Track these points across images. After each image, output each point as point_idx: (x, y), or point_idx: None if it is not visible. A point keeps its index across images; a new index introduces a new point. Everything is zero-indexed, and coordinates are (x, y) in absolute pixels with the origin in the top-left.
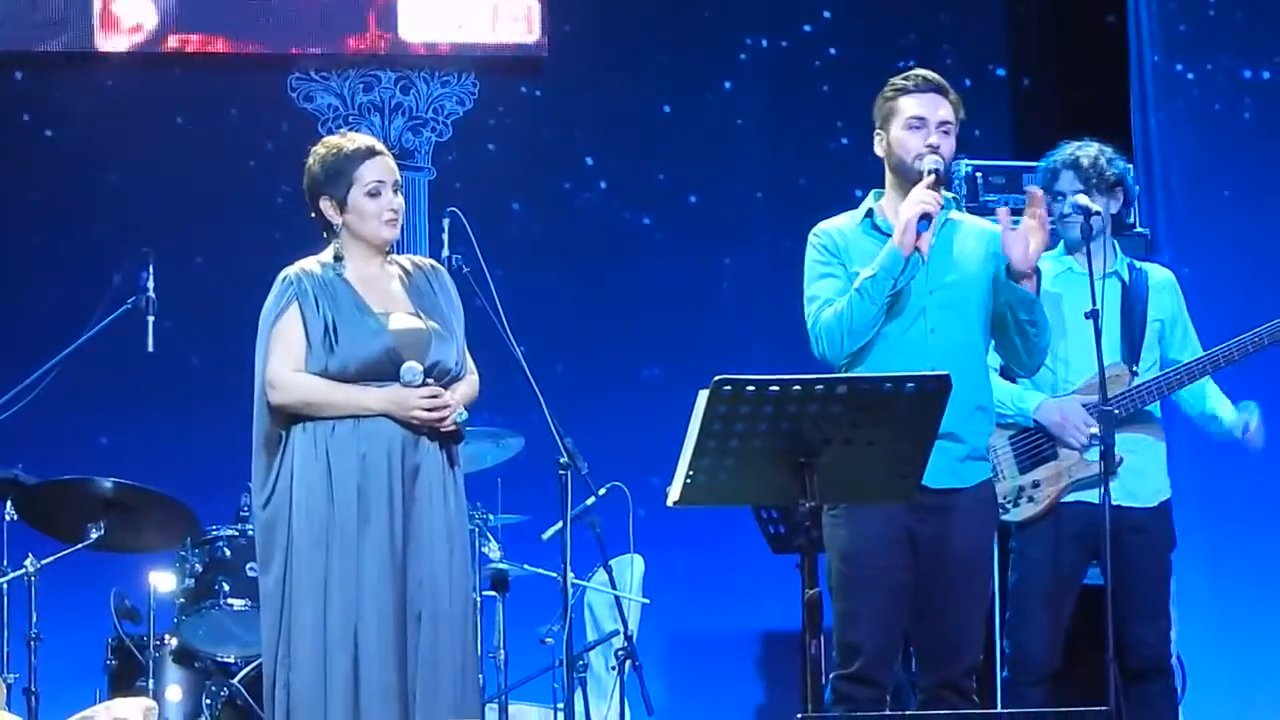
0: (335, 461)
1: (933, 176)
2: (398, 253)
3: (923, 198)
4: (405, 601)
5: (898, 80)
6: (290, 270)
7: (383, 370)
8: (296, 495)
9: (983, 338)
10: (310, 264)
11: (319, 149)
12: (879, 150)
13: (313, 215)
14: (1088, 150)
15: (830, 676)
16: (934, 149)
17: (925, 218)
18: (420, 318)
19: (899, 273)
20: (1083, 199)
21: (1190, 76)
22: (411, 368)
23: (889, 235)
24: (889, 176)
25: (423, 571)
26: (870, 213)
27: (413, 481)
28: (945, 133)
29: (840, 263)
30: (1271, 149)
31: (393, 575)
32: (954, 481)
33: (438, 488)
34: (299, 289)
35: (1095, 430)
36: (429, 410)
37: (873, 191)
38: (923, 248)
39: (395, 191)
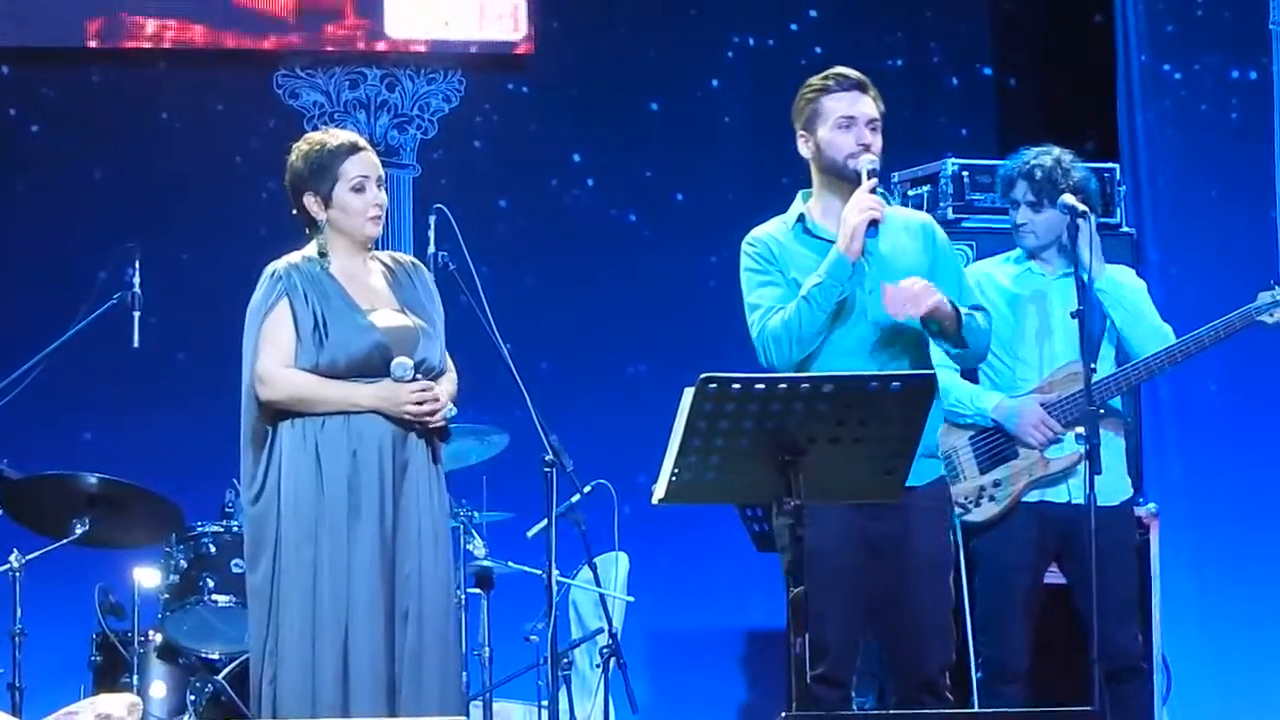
0: (325, 456)
1: (874, 180)
2: (381, 249)
3: (869, 204)
4: (394, 596)
5: (815, 80)
6: (278, 264)
7: (372, 366)
8: (285, 490)
9: (924, 332)
10: (296, 259)
11: (301, 145)
12: (804, 152)
13: (295, 212)
14: (1043, 160)
15: None
16: (866, 147)
17: (873, 224)
18: (406, 314)
19: (847, 279)
20: (1070, 198)
21: (1177, 76)
22: (402, 363)
23: (823, 239)
24: (817, 177)
25: (410, 567)
26: (801, 217)
27: (401, 477)
28: (874, 130)
29: (778, 269)
30: (1258, 149)
31: (382, 569)
32: (909, 480)
33: (424, 484)
34: (288, 283)
35: (1060, 429)
36: (420, 405)
37: (800, 193)
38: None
39: (379, 187)
